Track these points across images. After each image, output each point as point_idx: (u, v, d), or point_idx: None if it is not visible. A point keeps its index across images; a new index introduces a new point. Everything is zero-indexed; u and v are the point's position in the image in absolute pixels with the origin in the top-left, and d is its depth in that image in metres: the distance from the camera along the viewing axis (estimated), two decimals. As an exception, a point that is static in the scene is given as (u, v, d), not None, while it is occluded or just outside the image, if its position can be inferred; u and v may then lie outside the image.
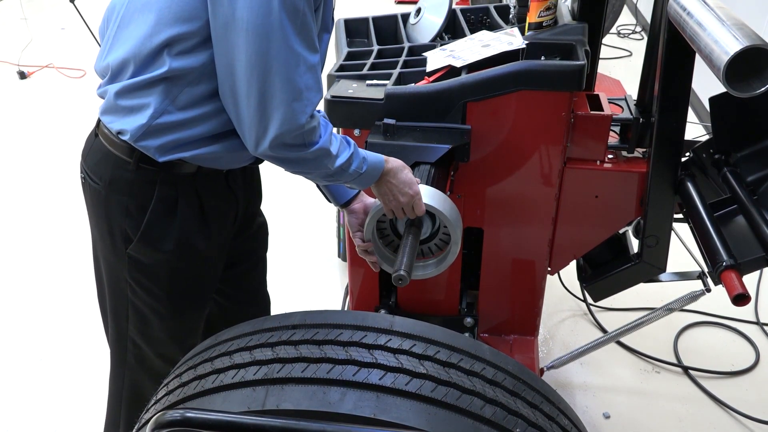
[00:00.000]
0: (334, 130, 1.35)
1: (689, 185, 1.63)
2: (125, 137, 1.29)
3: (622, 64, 5.10)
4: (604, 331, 2.56)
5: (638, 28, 5.71)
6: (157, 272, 1.44)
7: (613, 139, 1.76)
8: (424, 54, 1.82)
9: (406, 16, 2.09)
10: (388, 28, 2.08)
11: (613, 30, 5.56)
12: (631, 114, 1.75)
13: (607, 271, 1.85)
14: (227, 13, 1.15)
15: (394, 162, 1.42)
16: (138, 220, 1.37)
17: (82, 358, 2.46)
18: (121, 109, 1.29)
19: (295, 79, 1.19)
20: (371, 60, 1.85)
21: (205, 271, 1.51)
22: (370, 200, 1.59)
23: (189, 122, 1.28)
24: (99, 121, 1.37)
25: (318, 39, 1.27)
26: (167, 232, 1.39)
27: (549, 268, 1.89)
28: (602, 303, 2.36)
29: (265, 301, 1.87)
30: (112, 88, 1.30)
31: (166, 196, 1.36)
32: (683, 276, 1.83)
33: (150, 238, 1.38)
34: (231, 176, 1.45)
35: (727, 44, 1.19)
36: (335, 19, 2.05)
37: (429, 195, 1.45)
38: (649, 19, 2.13)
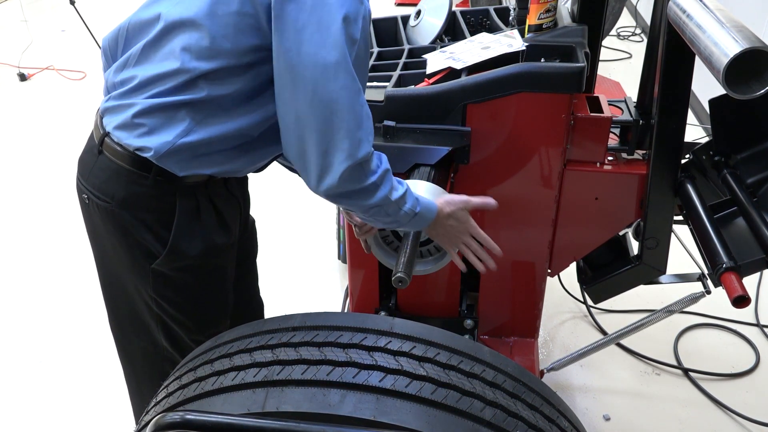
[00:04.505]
0: None
1: (689, 187, 1.63)
2: (146, 154, 1.27)
3: (621, 66, 5.10)
4: (604, 333, 2.55)
5: (638, 30, 5.72)
6: (184, 281, 1.42)
7: (613, 141, 1.76)
8: (424, 56, 1.82)
9: (406, 18, 2.09)
10: (388, 30, 2.08)
11: (613, 32, 5.57)
12: (631, 116, 1.75)
13: (607, 273, 1.84)
14: (293, 49, 1.15)
15: (446, 205, 1.42)
16: (160, 234, 1.35)
17: (83, 359, 2.46)
18: (141, 125, 1.27)
19: (356, 108, 1.19)
20: (371, 62, 1.86)
21: (228, 266, 1.50)
22: None
23: (214, 141, 1.27)
24: (104, 137, 1.33)
25: None
26: (193, 238, 1.37)
27: (549, 270, 1.89)
28: (602, 305, 2.36)
29: (259, 306, 1.87)
30: (134, 103, 1.27)
31: (188, 205, 1.35)
32: (683, 278, 1.82)
33: (179, 248, 1.36)
34: (228, 182, 1.45)
35: (726, 46, 1.19)
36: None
37: (429, 191, 1.45)
38: (648, 21, 2.13)
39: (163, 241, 1.35)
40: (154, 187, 1.31)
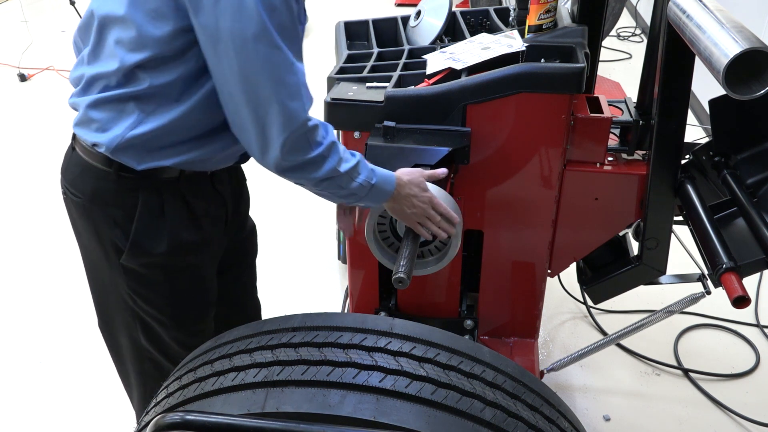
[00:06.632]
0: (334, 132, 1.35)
1: (689, 187, 1.63)
2: (101, 149, 1.28)
3: (621, 67, 5.10)
4: (604, 333, 2.56)
5: (638, 31, 5.72)
6: (154, 278, 1.42)
7: (613, 141, 1.76)
8: (424, 56, 1.82)
9: (406, 19, 2.09)
10: (388, 30, 2.08)
11: (613, 32, 5.57)
12: (631, 116, 1.75)
13: (607, 273, 1.84)
14: (211, 25, 1.15)
15: (403, 174, 1.40)
16: (126, 229, 1.36)
17: (82, 359, 2.46)
18: (94, 121, 1.28)
19: (286, 78, 1.18)
20: (371, 62, 1.85)
21: (203, 264, 1.49)
22: None
23: (164, 131, 1.27)
24: (74, 134, 1.36)
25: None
26: (157, 236, 1.37)
27: (549, 271, 1.89)
28: (602, 305, 2.36)
29: (256, 307, 1.87)
30: (85, 100, 1.29)
31: (151, 202, 1.34)
32: (683, 278, 1.82)
33: (141, 245, 1.36)
34: (216, 179, 1.44)
35: (726, 47, 1.19)
36: (337, 22, 2.07)
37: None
38: (648, 21, 2.13)
39: (128, 236, 1.36)
40: (117, 182, 1.32)
